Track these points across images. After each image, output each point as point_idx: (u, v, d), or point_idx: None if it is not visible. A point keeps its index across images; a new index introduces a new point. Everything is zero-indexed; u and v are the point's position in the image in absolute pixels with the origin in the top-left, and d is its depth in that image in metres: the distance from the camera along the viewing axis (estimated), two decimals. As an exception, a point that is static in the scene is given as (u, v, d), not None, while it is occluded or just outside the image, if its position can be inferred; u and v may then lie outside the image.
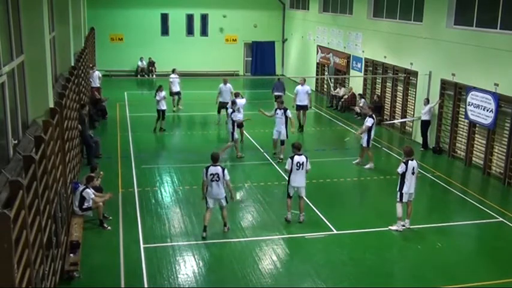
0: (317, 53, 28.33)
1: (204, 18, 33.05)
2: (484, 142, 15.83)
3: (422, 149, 18.16)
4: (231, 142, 16.60)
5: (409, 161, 11.46)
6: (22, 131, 8.86)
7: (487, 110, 15.32)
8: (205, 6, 32.52)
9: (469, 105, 16.13)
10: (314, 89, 29.12)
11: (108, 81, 26.18)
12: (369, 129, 15.72)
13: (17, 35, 8.97)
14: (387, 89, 21.55)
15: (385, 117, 21.30)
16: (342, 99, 24.26)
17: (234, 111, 16.53)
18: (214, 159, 11.07)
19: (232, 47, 33.61)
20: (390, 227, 11.75)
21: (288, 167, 11.72)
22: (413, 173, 11.51)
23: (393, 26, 21.01)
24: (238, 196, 13.52)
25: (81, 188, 11.55)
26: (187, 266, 10.02)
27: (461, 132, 17.03)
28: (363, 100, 22.63)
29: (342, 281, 9.71)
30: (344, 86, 25.28)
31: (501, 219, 12.56)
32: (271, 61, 34.47)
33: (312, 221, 12.10)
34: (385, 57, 21.39)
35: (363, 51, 23.34)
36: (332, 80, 26.58)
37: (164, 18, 32.44)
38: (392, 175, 14.39)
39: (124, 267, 9.87)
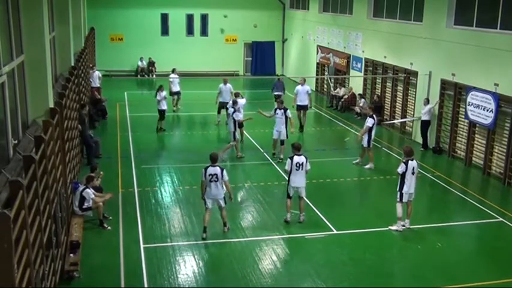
0: (317, 53, 28.33)
1: (204, 18, 33.05)
2: (484, 142, 15.83)
3: (422, 149, 18.16)
4: (232, 142, 16.61)
5: (409, 161, 11.46)
6: (22, 131, 8.86)
7: (487, 110, 15.33)
8: (205, 6, 32.52)
9: (469, 105, 16.13)
10: (314, 89, 29.12)
11: (108, 81, 26.18)
12: (370, 130, 15.66)
13: (17, 35, 8.97)
14: (387, 89, 21.55)
15: (385, 117, 21.30)
16: (342, 99, 24.26)
17: (235, 110, 16.53)
18: (213, 160, 11.05)
19: (232, 47, 33.61)
20: (390, 227, 11.75)
21: (287, 167, 11.72)
22: (413, 173, 11.51)
23: (393, 26, 21.01)
24: (238, 197, 13.54)
25: (81, 188, 11.55)
26: (187, 266, 10.02)
27: (461, 132, 17.03)
28: (363, 100, 22.64)
29: (342, 281, 9.71)
30: (344, 86, 25.29)
31: (501, 219, 12.56)
32: (271, 61, 34.47)
33: (312, 221, 12.10)
34: (385, 57, 21.39)
35: (363, 51, 23.34)
36: (332, 80, 26.58)
37: (164, 18, 32.44)
38: (393, 175, 14.39)
39: (124, 267, 9.87)
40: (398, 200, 11.67)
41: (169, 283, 9.43)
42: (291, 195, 11.86)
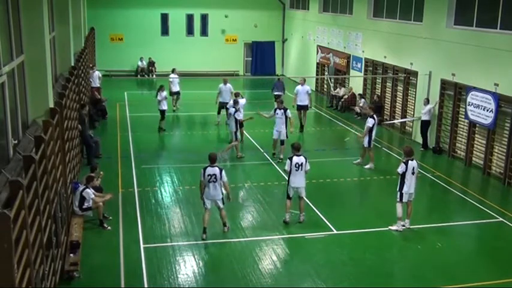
0: (317, 53, 28.33)
1: (204, 18, 33.04)
2: (484, 142, 15.83)
3: (422, 149, 18.16)
4: (234, 141, 16.61)
5: (409, 161, 11.45)
6: (22, 131, 8.86)
7: (487, 110, 15.32)
8: (205, 6, 32.52)
9: (469, 105, 16.13)
10: (314, 89, 29.14)
11: (108, 81, 26.18)
12: (370, 130, 15.63)
13: (17, 35, 8.97)
14: (387, 89, 21.55)
15: (385, 117, 21.30)
16: (342, 99, 24.26)
17: (237, 110, 16.53)
18: (212, 160, 11.03)
19: (232, 47, 33.60)
20: (390, 227, 11.75)
21: (287, 167, 11.72)
22: (413, 173, 11.51)
23: (393, 26, 21.01)
24: (238, 197, 13.53)
25: (81, 188, 11.55)
26: (187, 266, 10.02)
27: (461, 132, 17.03)
28: (363, 100, 22.64)
29: (342, 281, 9.71)
30: (344, 86, 25.28)
31: (501, 219, 12.56)
32: (271, 61, 34.47)
33: (312, 221, 12.10)
34: (385, 57, 21.39)
35: (363, 51, 23.34)
36: (332, 80, 26.59)
37: (164, 18, 32.44)
38: (392, 175, 14.40)
39: (124, 267, 9.87)
40: (398, 200, 11.66)
41: (169, 283, 9.43)
42: (290, 195, 11.86)
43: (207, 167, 10.95)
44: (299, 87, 20.61)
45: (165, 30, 32.59)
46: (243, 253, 10.61)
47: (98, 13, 30.58)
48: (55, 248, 8.66)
